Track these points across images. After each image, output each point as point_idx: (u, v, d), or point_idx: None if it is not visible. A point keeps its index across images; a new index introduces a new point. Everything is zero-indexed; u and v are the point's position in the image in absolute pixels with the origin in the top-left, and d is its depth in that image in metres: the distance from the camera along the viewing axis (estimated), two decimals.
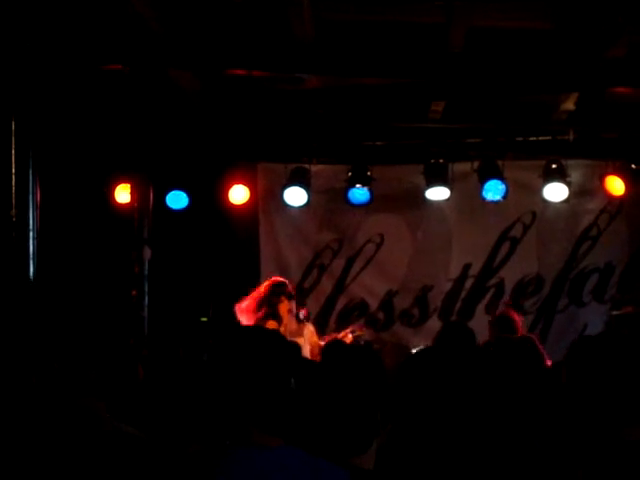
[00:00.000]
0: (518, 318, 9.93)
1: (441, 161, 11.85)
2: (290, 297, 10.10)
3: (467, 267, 12.51)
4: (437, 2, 8.31)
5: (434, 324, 12.29)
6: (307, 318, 10.37)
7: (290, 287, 10.16)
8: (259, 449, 3.08)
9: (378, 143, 11.88)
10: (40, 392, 4.20)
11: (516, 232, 12.44)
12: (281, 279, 10.20)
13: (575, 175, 11.87)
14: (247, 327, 8.50)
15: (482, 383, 4.97)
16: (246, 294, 10.21)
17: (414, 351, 9.67)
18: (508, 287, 12.43)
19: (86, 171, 11.45)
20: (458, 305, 12.55)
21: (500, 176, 11.59)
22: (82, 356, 4.26)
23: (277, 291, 10.00)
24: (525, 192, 12.14)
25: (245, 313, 9.84)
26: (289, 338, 9.28)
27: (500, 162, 11.70)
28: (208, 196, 11.99)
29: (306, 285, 12.53)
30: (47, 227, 10.55)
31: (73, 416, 3.94)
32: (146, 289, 10.70)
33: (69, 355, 4.25)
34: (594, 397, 4.99)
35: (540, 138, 11.70)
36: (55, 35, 8.66)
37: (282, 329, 9.72)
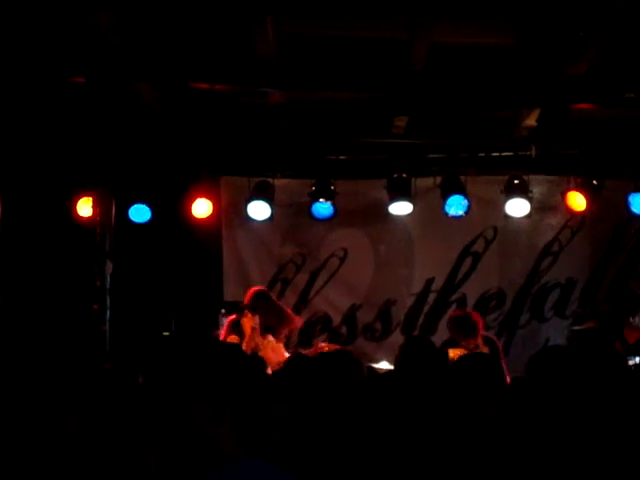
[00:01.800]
0: (479, 319, 10.07)
1: (404, 176, 11.86)
2: (254, 311, 10.12)
3: (430, 282, 12.54)
4: (399, 19, 8.32)
5: (397, 338, 12.30)
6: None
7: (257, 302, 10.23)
8: (225, 460, 3.10)
9: (341, 158, 11.88)
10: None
11: (478, 247, 12.48)
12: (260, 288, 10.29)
13: (537, 190, 11.93)
14: (206, 342, 8.51)
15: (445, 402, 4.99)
16: (209, 308, 10.21)
17: (376, 366, 9.78)
18: (470, 302, 12.46)
19: (48, 185, 11.38)
20: (421, 320, 12.58)
21: (462, 191, 11.62)
22: (43, 370, 4.24)
23: (241, 306, 10.05)
24: (487, 207, 12.18)
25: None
26: (252, 352, 9.38)
27: (462, 177, 11.73)
28: (171, 210, 11.92)
29: None
30: (8, 241, 10.50)
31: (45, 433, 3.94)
32: (108, 303, 10.62)
33: (31, 369, 4.23)
34: (554, 410, 5.02)
35: (502, 154, 11.75)
36: (16, 48, 8.61)
37: (244, 344, 9.73)
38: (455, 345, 10.16)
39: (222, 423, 3.13)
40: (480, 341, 10.15)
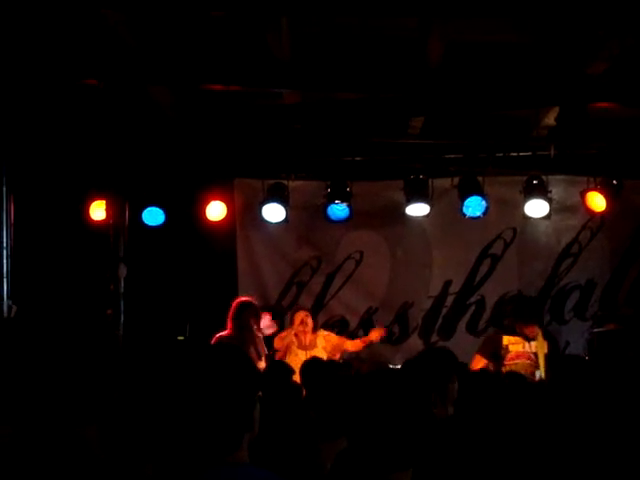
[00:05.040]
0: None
1: (421, 177, 11.75)
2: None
3: (447, 284, 12.41)
4: (414, 17, 8.21)
5: (414, 342, 12.23)
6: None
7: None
8: (224, 467, 3.04)
9: (357, 159, 11.76)
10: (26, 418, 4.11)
11: (497, 249, 12.35)
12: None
13: (556, 191, 11.80)
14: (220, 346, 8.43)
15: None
16: (223, 312, 10.16)
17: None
18: (489, 304, 12.34)
19: (61, 188, 11.31)
20: (439, 323, 12.45)
21: (480, 192, 11.50)
22: (58, 376, 4.16)
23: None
24: (506, 208, 12.06)
25: None
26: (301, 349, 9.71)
27: (480, 178, 11.61)
28: (185, 213, 11.85)
29: (285, 303, 12.40)
30: (21, 245, 10.43)
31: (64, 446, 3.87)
32: (122, 307, 10.58)
33: (46, 375, 4.15)
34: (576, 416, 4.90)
35: (521, 154, 11.61)
36: (29, 50, 8.55)
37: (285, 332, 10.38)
38: (512, 332, 9.93)
39: (230, 429, 3.06)
40: (540, 333, 9.96)
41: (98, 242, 10.76)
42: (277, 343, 10.35)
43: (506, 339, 9.95)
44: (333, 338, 10.51)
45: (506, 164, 11.72)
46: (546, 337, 10.01)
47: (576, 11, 7.91)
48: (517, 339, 9.90)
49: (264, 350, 10.13)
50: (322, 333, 10.51)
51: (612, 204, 11.58)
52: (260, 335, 10.11)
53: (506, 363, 9.68)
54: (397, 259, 12.50)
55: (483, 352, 10.05)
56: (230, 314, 9.99)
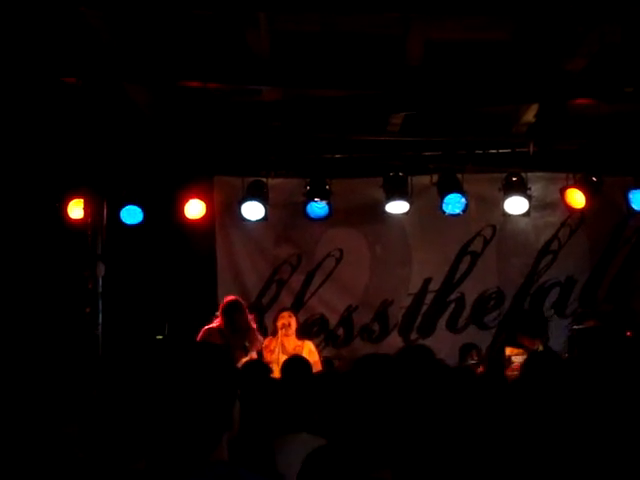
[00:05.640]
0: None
1: (400, 174, 11.72)
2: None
3: (427, 282, 12.40)
4: (394, 15, 8.20)
5: (394, 339, 12.21)
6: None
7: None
8: (204, 467, 3.04)
9: (337, 156, 11.74)
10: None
11: (476, 246, 12.35)
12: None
13: (535, 188, 11.79)
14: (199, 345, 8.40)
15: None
16: (203, 311, 10.11)
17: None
18: (469, 302, 12.34)
19: (38, 186, 11.24)
20: (418, 320, 12.44)
21: (460, 189, 11.48)
22: (37, 375, 4.14)
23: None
24: (485, 205, 12.05)
25: None
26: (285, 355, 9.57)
27: (460, 175, 11.59)
28: (163, 211, 11.78)
29: (265, 301, 12.36)
30: None
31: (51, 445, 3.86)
32: (100, 306, 10.49)
33: (24, 375, 4.13)
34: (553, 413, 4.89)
35: (500, 151, 11.62)
36: (7, 48, 8.49)
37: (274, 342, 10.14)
38: (514, 344, 9.76)
39: (209, 428, 3.06)
40: (542, 348, 9.80)
41: (76, 240, 10.68)
42: (267, 357, 10.21)
43: (509, 350, 9.79)
44: (315, 357, 10.38)
45: (485, 161, 11.73)
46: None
47: (555, 8, 7.92)
48: (519, 350, 9.73)
49: (257, 344, 10.06)
50: (309, 346, 10.36)
51: (592, 201, 11.58)
52: (253, 327, 10.04)
53: (509, 374, 9.53)
54: (377, 257, 12.48)
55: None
56: (220, 311, 9.98)
